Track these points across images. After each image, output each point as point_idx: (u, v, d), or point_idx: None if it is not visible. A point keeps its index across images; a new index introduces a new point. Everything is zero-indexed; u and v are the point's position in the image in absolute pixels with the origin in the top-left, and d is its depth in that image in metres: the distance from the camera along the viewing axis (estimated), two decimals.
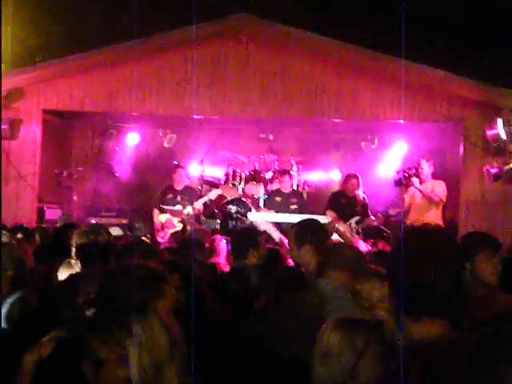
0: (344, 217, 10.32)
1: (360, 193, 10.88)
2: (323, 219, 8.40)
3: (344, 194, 10.81)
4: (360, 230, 10.21)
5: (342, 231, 6.39)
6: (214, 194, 10.99)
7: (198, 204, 10.88)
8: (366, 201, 10.88)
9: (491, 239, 4.05)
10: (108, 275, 2.86)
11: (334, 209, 10.54)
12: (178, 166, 11.21)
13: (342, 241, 5.93)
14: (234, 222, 11.00)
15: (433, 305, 2.12)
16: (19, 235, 6.49)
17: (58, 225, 9.09)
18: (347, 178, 10.93)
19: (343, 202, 10.67)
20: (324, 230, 4.65)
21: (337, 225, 7.19)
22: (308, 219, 4.84)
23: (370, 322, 2.55)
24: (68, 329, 2.58)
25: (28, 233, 6.93)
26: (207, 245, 7.34)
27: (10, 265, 3.76)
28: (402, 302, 2.15)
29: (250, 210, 11.09)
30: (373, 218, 10.43)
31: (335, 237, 6.31)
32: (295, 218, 9.75)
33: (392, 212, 11.21)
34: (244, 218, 10.93)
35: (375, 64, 10.38)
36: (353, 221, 10.33)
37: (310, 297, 3.58)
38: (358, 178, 10.84)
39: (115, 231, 6.75)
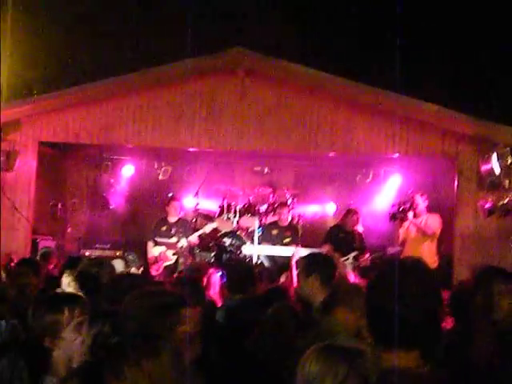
0: (342, 252, 10.32)
1: (359, 228, 10.88)
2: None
3: (343, 229, 10.80)
4: (356, 266, 10.20)
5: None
6: (209, 228, 11.01)
7: (193, 237, 10.88)
8: (363, 236, 10.87)
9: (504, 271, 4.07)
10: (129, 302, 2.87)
11: (331, 243, 10.51)
12: (172, 199, 11.23)
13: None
14: (228, 255, 10.99)
15: (402, 336, 2.13)
16: None
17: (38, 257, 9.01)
18: (347, 213, 10.93)
19: (341, 237, 10.66)
20: (332, 264, 4.67)
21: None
22: (317, 252, 4.89)
23: (351, 351, 2.54)
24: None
25: None
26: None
27: None
28: (374, 332, 2.19)
29: (245, 243, 11.09)
30: (367, 255, 10.47)
31: None
32: (289, 251, 9.83)
33: (391, 250, 11.17)
34: (238, 251, 10.93)
35: (370, 98, 10.45)
36: (351, 256, 10.33)
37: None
38: (357, 214, 10.84)
39: (118, 264, 6.69)
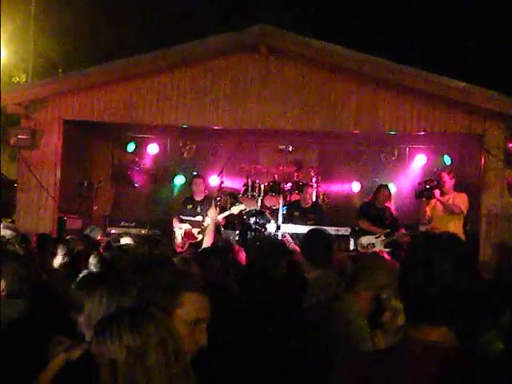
0: (374, 223, 10.29)
1: (391, 205, 10.73)
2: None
3: (374, 205, 10.65)
4: (388, 243, 10.05)
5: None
6: (236, 210, 10.97)
7: (220, 217, 10.87)
8: (396, 213, 10.74)
9: None
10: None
11: (365, 216, 10.46)
12: (197, 177, 11.22)
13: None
14: (252, 233, 11.01)
15: (431, 311, 2.10)
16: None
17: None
18: (379, 188, 10.78)
19: (373, 214, 10.52)
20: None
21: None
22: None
23: None
24: None
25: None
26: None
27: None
28: (407, 308, 2.18)
29: (269, 222, 11.10)
30: (403, 232, 10.29)
31: None
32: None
33: (423, 228, 11.03)
34: (263, 230, 10.95)
35: (395, 76, 10.33)
36: (382, 233, 10.22)
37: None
38: (389, 190, 10.72)
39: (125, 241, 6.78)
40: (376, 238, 10.19)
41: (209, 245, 7.98)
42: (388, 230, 10.23)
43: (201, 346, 2.62)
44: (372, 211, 10.55)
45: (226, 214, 10.97)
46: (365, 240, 10.21)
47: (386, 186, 10.83)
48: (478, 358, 2.12)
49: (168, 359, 2.22)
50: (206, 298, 2.73)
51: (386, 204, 10.65)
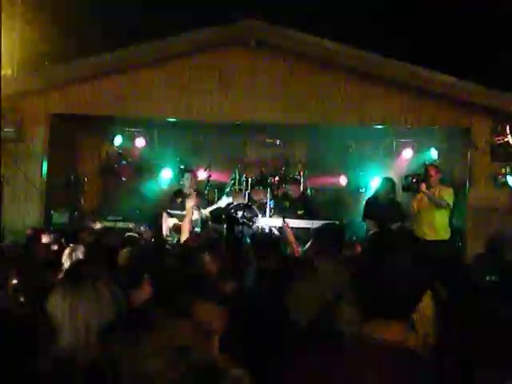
0: (381, 223, 9.99)
1: (395, 197, 10.53)
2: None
3: (379, 199, 10.43)
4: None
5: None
6: (224, 203, 10.96)
7: (207, 211, 10.86)
8: (402, 205, 10.49)
9: None
10: None
11: (370, 215, 10.30)
12: (189, 171, 11.19)
13: None
14: (240, 228, 11.01)
15: (384, 307, 2.14)
16: None
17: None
18: (384, 181, 10.54)
19: (377, 208, 10.25)
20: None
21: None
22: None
23: None
24: None
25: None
26: None
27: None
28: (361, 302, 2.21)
29: (257, 216, 11.11)
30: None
31: None
32: (302, 223, 9.81)
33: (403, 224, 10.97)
34: (250, 223, 10.95)
35: (383, 70, 10.38)
36: (392, 227, 10.06)
37: None
38: (393, 181, 10.54)
39: None
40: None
41: (185, 237, 7.88)
42: (399, 224, 9.95)
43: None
44: (378, 205, 10.28)
45: (214, 207, 10.97)
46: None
47: (390, 178, 10.72)
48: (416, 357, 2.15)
49: (169, 365, 2.22)
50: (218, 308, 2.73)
51: (390, 196, 10.37)
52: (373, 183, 12.09)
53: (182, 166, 12.10)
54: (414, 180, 10.06)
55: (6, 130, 10.87)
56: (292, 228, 9.24)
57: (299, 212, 10.85)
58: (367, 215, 10.39)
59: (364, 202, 10.81)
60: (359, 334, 2.15)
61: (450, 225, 10.20)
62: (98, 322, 2.67)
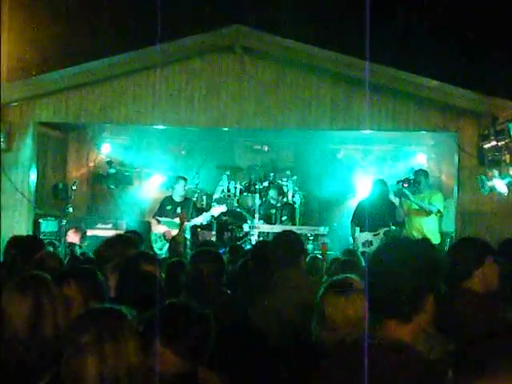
0: (371, 227, 9.87)
1: (389, 199, 10.37)
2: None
3: (370, 202, 10.25)
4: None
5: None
6: (217, 212, 10.90)
7: (200, 220, 10.79)
8: (396, 207, 10.26)
9: (490, 245, 4.04)
10: None
11: (358, 219, 10.16)
12: (181, 178, 11.16)
13: None
14: (229, 234, 11.01)
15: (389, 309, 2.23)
16: None
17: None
18: (377, 183, 10.38)
19: (370, 211, 9.99)
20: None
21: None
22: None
23: None
24: None
25: None
26: None
27: None
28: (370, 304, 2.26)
29: (246, 222, 11.11)
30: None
31: None
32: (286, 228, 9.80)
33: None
34: (239, 229, 10.95)
35: (369, 74, 10.38)
36: (381, 231, 9.98)
37: None
38: (385, 184, 10.37)
39: None
40: (374, 235, 9.90)
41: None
42: (387, 228, 10.00)
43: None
44: (369, 209, 10.06)
45: (207, 217, 10.87)
46: (362, 237, 10.01)
47: (382, 180, 10.60)
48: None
49: None
50: None
51: (383, 200, 10.19)
52: (361, 189, 12.08)
53: (170, 173, 12.08)
54: (405, 185, 10.06)
55: None
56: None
57: (283, 218, 10.86)
58: (355, 220, 10.32)
59: (356, 205, 10.70)
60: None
61: (440, 230, 10.21)
62: None
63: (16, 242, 5.84)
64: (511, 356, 1.55)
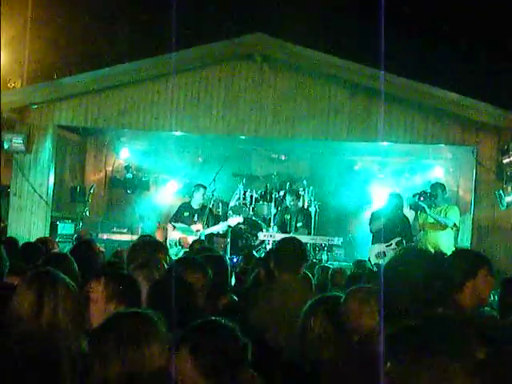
0: (385, 238, 9.91)
1: (402, 213, 10.41)
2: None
3: (384, 213, 10.27)
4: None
5: None
6: (234, 222, 10.87)
7: (217, 228, 10.77)
8: (410, 222, 10.38)
9: (487, 258, 3.99)
10: None
11: (372, 228, 10.21)
12: (201, 186, 11.17)
13: None
14: (243, 242, 11.01)
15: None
16: None
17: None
18: (392, 197, 10.42)
19: (383, 222, 10.08)
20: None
21: None
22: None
23: None
24: None
25: None
26: None
27: None
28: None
29: (261, 230, 11.10)
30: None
31: None
32: (301, 237, 9.80)
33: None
34: (254, 237, 10.95)
35: (388, 86, 10.35)
36: (393, 242, 9.97)
37: None
38: (401, 198, 10.43)
39: None
40: (387, 246, 9.92)
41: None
42: (399, 238, 9.97)
43: None
44: (381, 219, 10.12)
45: (225, 225, 10.85)
46: (376, 249, 10.02)
47: (398, 194, 10.59)
48: None
49: None
50: None
51: (399, 212, 10.25)
52: (377, 200, 12.03)
53: (187, 180, 12.11)
54: (422, 198, 10.01)
55: (14, 140, 10.95)
56: None
57: (298, 225, 10.84)
58: (374, 226, 10.28)
59: (371, 214, 10.68)
60: None
61: (455, 244, 10.14)
62: None
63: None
64: (446, 342, 1.56)
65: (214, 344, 2.60)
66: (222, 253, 9.00)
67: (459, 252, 4.38)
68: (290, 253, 4.81)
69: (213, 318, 2.80)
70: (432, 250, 9.56)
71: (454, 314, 2.80)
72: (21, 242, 6.95)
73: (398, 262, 2.51)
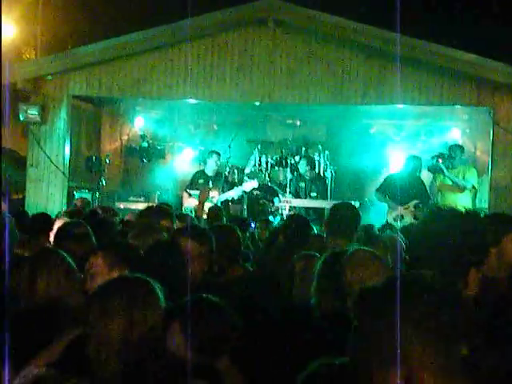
0: (401, 201, 9.80)
1: (420, 175, 10.33)
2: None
3: (401, 176, 10.18)
4: (417, 215, 9.60)
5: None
6: (248, 187, 10.90)
7: (232, 194, 10.83)
8: (425, 185, 10.30)
9: None
10: None
11: (389, 191, 10.10)
12: (215, 153, 11.19)
13: None
14: (259, 208, 11.03)
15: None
16: None
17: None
18: (411, 159, 10.28)
19: (400, 184, 9.85)
20: None
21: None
22: None
23: None
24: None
25: None
26: None
27: None
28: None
29: (277, 196, 11.11)
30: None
31: None
32: (315, 203, 9.91)
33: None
34: (270, 204, 10.97)
35: (403, 49, 10.24)
36: (411, 204, 9.89)
37: None
38: (419, 160, 10.29)
39: None
40: (405, 209, 9.82)
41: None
42: (416, 201, 9.86)
43: None
44: (398, 182, 9.94)
45: (239, 191, 10.89)
46: (393, 212, 9.95)
47: (416, 156, 10.44)
48: None
49: None
50: None
51: (416, 174, 10.15)
52: (394, 164, 11.98)
53: (202, 147, 12.12)
54: (440, 160, 9.96)
55: (29, 111, 11.01)
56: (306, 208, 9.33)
57: (312, 193, 10.84)
58: (382, 189, 10.23)
59: (385, 177, 10.64)
60: None
61: (473, 206, 10.11)
62: None
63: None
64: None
65: (203, 324, 2.64)
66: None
67: (494, 214, 4.33)
68: (345, 219, 4.80)
69: (204, 295, 2.81)
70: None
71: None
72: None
73: (432, 220, 2.44)
